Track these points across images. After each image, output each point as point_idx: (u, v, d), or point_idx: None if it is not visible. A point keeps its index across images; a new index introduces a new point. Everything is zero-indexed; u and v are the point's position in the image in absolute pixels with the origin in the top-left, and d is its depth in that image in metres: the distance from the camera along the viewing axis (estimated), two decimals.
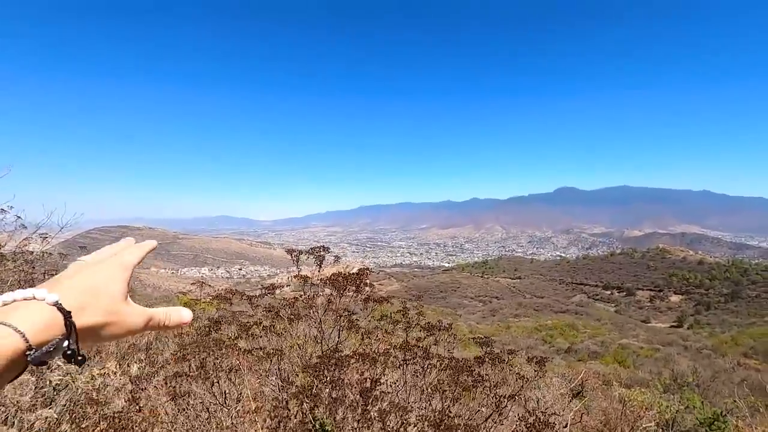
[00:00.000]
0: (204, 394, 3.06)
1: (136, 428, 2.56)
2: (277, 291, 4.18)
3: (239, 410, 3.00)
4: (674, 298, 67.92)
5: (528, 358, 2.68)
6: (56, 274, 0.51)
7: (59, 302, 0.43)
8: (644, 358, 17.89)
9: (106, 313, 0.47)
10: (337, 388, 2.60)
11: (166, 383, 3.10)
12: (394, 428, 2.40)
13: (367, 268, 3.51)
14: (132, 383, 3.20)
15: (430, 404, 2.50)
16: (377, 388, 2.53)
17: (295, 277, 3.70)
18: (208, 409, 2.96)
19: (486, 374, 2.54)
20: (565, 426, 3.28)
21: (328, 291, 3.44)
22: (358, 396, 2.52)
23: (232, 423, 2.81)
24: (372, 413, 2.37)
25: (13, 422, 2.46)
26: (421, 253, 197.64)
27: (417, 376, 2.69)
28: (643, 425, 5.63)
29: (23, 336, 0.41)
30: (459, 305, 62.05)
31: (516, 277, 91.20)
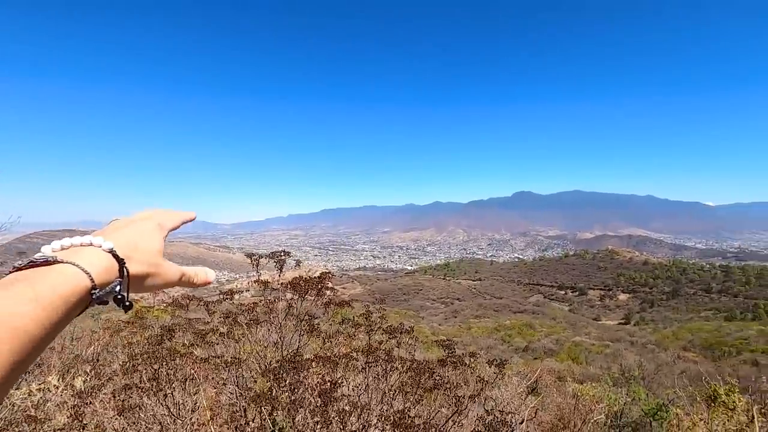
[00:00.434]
0: (156, 406, 2.91)
1: None
2: (236, 296, 4.06)
3: (194, 421, 2.88)
4: (622, 297, 72.05)
5: (489, 360, 2.76)
6: None
7: (114, 250, 0.48)
8: (596, 354, 18.80)
9: (148, 265, 0.52)
10: (297, 391, 2.56)
11: (114, 396, 2.93)
12: (355, 429, 2.39)
13: (329, 272, 3.47)
14: (76, 398, 2.99)
15: (391, 406, 2.51)
16: (337, 390, 2.51)
17: (255, 281, 3.60)
18: (160, 422, 2.82)
19: (447, 376, 2.58)
20: (522, 423, 3.39)
21: (289, 295, 3.37)
22: (317, 398, 2.49)
23: None
24: (331, 414, 2.35)
25: None
26: (385, 257, 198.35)
27: (379, 379, 2.69)
28: (594, 418, 5.91)
29: (89, 276, 0.43)
30: (422, 307, 62.75)
31: (477, 278, 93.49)
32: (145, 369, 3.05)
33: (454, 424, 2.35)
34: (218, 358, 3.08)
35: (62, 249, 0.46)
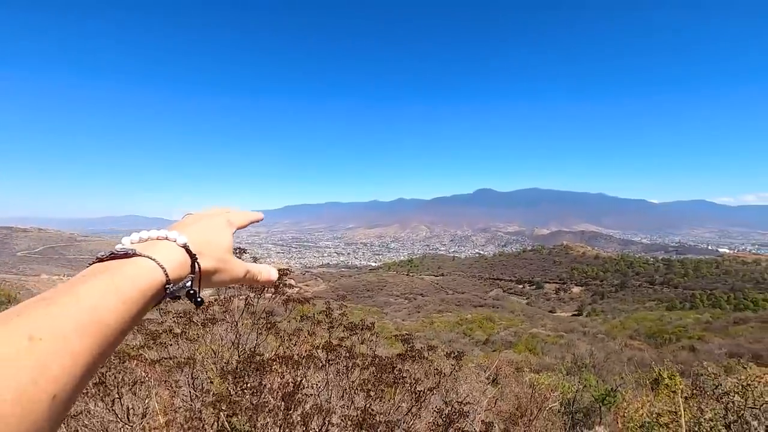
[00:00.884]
0: (104, 412, 2.75)
1: None
2: None
3: (145, 426, 2.74)
4: (575, 290, 75.69)
5: (447, 353, 2.81)
6: None
7: (188, 245, 0.48)
8: (551, 345, 19.61)
9: (217, 260, 0.53)
10: (258, 393, 2.49)
11: None
12: (318, 431, 2.36)
13: (288, 268, 3.40)
14: None
15: (352, 403, 2.50)
16: (300, 391, 2.47)
17: None
18: (107, 429, 2.66)
19: (407, 370, 2.60)
20: (480, 413, 3.48)
21: (246, 293, 3.28)
22: (280, 401, 2.44)
23: None
24: (294, 417, 2.30)
25: None
26: (348, 253, 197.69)
27: (340, 376, 2.67)
28: (549, 405, 6.17)
29: (164, 270, 0.44)
30: (386, 303, 63.15)
31: (439, 274, 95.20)
32: None
33: (414, 417, 2.38)
34: (171, 359, 2.94)
35: (140, 241, 0.48)
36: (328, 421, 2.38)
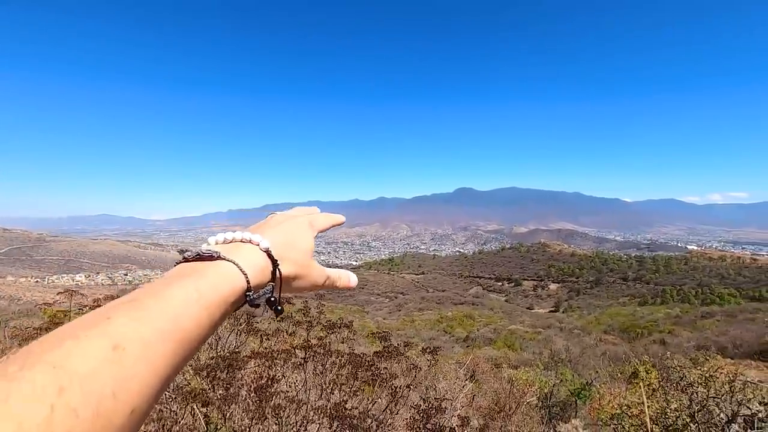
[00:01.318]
0: None
1: None
2: None
3: None
4: (552, 287, 77.39)
5: (422, 349, 2.84)
6: None
7: (270, 250, 0.47)
8: (529, 341, 19.96)
9: (298, 266, 0.51)
10: (230, 387, 2.47)
11: None
12: (294, 422, 2.35)
13: None
14: None
15: (329, 400, 2.50)
16: (274, 386, 2.46)
17: None
18: None
19: (384, 367, 2.62)
20: (458, 409, 3.54)
21: None
22: (252, 393, 2.43)
23: None
24: (266, 409, 2.30)
25: None
26: (329, 252, 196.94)
27: (317, 374, 2.67)
28: (527, 400, 6.30)
29: (246, 277, 0.42)
30: (367, 302, 63.07)
31: (420, 272, 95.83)
32: None
33: (391, 413, 2.40)
34: None
35: (225, 242, 0.47)
36: (303, 416, 2.38)
